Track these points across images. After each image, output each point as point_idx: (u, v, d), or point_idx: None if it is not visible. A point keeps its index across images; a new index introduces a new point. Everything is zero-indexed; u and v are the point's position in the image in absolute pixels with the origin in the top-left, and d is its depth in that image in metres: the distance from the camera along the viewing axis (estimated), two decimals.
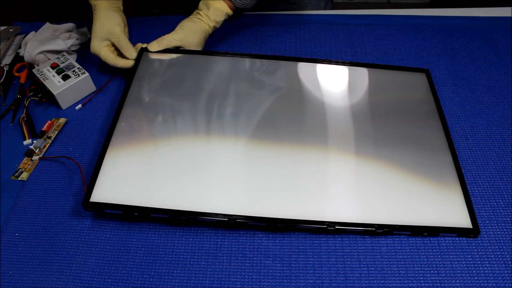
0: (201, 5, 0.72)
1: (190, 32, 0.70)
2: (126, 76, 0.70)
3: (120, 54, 0.69)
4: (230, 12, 0.72)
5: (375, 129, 0.60)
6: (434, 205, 0.53)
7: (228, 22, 0.74)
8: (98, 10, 0.69)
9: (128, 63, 0.68)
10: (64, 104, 0.67)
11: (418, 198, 0.53)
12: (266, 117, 0.61)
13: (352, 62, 0.70)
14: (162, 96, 0.63)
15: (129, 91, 0.64)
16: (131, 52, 0.68)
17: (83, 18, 0.83)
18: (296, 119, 0.61)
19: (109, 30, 0.68)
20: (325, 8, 0.91)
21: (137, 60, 0.68)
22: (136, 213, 0.51)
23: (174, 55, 0.70)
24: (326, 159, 0.56)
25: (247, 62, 0.69)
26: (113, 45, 0.69)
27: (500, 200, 0.55)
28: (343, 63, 0.70)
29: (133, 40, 0.78)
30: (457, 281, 0.48)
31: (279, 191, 0.53)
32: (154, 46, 0.69)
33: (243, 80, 0.66)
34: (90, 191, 0.51)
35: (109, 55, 0.68)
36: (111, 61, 0.68)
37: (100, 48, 0.68)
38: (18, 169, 0.59)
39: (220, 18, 0.71)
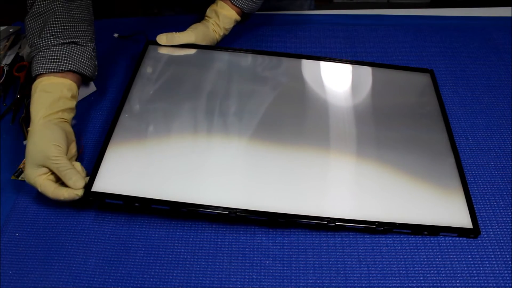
0: (209, 12, 0.71)
1: (202, 36, 0.69)
2: (131, 70, 0.70)
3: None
4: (238, 18, 0.71)
5: (378, 129, 0.60)
6: (435, 204, 0.53)
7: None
8: (32, 124, 0.54)
9: (72, 194, 0.51)
10: None
11: (419, 198, 0.53)
12: (270, 113, 0.61)
13: (357, 61, 0.70)
14: (166, 90, 0.63)
15: (133, 84, 0.63)
16: (75, 180, 0.51)
17: None
18: (299, 118, 0.61)
19: (43, 153, 0.51)
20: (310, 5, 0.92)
21: (142, 54, 0.68)
22: (136, 204, 0.51)
23: (180, 51, 0.69)
24: (329, 159, 0.56)
25: (255, 58, 0.69)
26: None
27: (500, 200, 0.55)
28: (347, 61, 0.70)
29: (133, 39, 0.79)
30: (457, 281, 0.48)
31: (280, 188, 0.53)
32: (162, 39, 0.68)
33: (247, 77, 0.66)
34: (92, 181, 0.52)
35: (48, 186, 0.51)
36: (50, 194, 0.51)
37: (36, 177, 0.51)
38: (18, 169, 0.59)
39: (230, 25, 0.71)
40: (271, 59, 0.69)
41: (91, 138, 0.63)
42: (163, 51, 0.69)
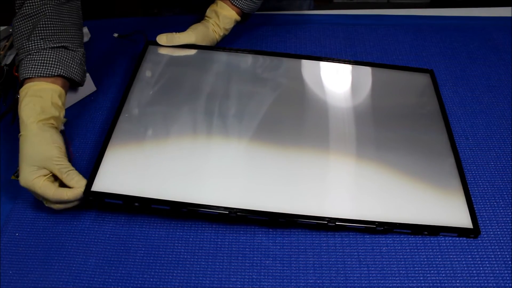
0: (209, 12, 0.71)
1: (202, 36, 0.69)
2: (131, 70, 0.70)
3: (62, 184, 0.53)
4: (238, 18, 0.71)
5: (378, 129, 0.60)
6: (435, 204, 0.53)
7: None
8: (26, 128, 0.53)
9: (77, 191, 0.50)
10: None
11: (419, 198, 0.53)
12: (270, 114, 0.61)
13: (357, 61, 0.70)
14: (166, 91, 0.63)
15: (133, 85, 0.63)
16: (77, 179, 0.51)
17: (83, 18, 0.82)
18: (299, 119, 0.61)
19: (44, 154, 0.51)
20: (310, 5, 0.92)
21: (142, 54, 0.68)
22: (136, 204, 0.51)
23: (180, 51, 0.69)
24: (329, 160, 0.56)
25: (255, 58, 0.69)
26: (52, 175, 0.52)
27: (500, 200, 0.55)
28: (347, 61, 0.70)
29: (133, 39, 0.79)
30: (457, 281, 0.48)
31: (280, 188, 0.53)
32: (163, 39, 0.68)
33: (246, 78, 0.66)
34: (91, 181, 0.52)
35: (48, 187, 0.50)
36: (51, 194, 0.50)
37: (34, 179, 0.50)
38: (18, 169, 0.59)
39: (229, 25, 0.71)
40: (271, 59, 0.69)
41: (91, 138, 0.63)
42: (163, 51, 0.69)
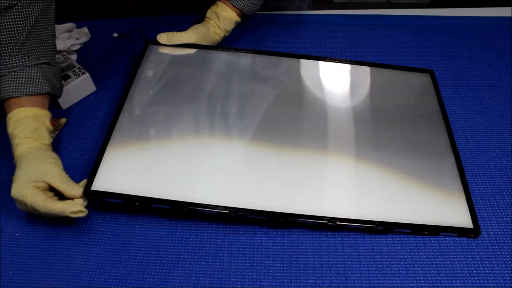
0: (209, 13, 0.71)
1: (203, 37, 0.69)
2: (131, 70, 0.70)
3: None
4: (239, 20, 0.71)
5: (378, 130, 0.60)
6: (435, 205, 0.53)
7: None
8: (24, 152, 0.53)
9: (72, 207, 0.49)
10: (64, 104, 0.67)
11: (419, 198, 0.53)
12: (270, 114, 0.61)
13: (357, 61, 0.70)
14: (166, 90, 0.63)
15: (133, 84, 0.63)
16: (77, 189, 0.51)
17: (83, 18, 0.83)
18: (299, 118, 0.61)
19: (45, 167, 0.51)
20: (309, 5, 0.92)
21: (142, 53, 0.68)
22: (136, 203, 0.51)
23: (180, 51, 0.69)
24: (329, 160, 0.56)
25: (255, 58, 0.69)
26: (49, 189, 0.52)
27: (500, 200, 0.55)
28: (346, 61, 0.70)
29: (133, 39, 0.79)
30: (457, 281, 0.48)
31: (281, 188, 0.53)
32: (163, 38, 0.68)
33: (246, 77, 0.66)
34: (91, 180, 0.52)
35: (39, 197, 0.49)
36: (41, 204, 0.48)
37: (26, 188, 0.49)
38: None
39: (230, 27, 0.71)
40: (271, 59, 0.69)
41: (91, 138, 0.63)
42: (163, 50, 0.69)
